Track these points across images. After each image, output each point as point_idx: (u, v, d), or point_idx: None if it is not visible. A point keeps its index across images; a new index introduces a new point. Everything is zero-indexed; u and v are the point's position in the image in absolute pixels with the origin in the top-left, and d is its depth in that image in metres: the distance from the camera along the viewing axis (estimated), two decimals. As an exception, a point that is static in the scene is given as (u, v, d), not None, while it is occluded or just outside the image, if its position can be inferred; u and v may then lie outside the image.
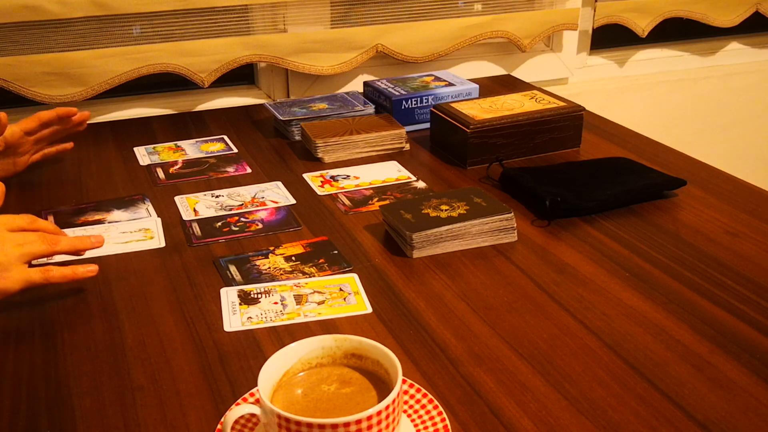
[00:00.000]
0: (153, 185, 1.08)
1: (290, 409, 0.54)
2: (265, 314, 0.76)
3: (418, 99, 1.27)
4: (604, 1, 1.66)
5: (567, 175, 1.05)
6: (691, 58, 1.89)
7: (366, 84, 1.36)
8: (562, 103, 1.18)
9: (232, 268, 0.85)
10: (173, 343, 0.72)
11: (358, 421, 0.51)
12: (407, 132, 1.21)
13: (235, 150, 1.20)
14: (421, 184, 1.07)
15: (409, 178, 1.09)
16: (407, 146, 1.20)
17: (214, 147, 1.22)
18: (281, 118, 1.24)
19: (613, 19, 1.68)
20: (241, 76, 1.55)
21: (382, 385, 0.57)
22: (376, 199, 1.02)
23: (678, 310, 0.76)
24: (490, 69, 1.65)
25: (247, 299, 0.79)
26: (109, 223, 0.96)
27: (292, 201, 1.02)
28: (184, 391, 0.66)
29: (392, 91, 1.29)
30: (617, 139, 1.23)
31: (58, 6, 1.26)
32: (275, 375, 0.57)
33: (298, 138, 1.24)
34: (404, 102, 1.26)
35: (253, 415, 0.56)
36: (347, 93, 1.37)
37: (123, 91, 1.40)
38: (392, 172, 1.11)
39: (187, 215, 0.98)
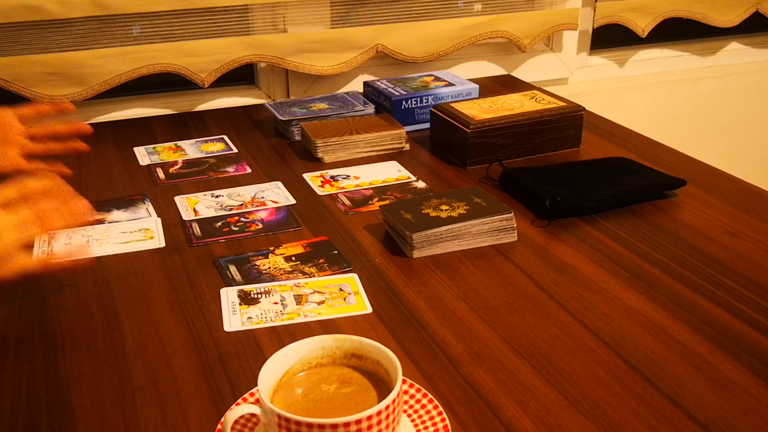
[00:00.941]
0: (153, 185, 1.08)
1: (290, 409, 0.54)
2: (265, 314, 0.76)
3: (418, 99, 1.27)
4: (604, 1, 1.66)
5: (567, 175, 1.05)
6: (691, 58, 1.89)
7: (366, 84, 1.36)
8: (562, 103, 1.18)
9: (232, 268, 0.85)
10: (173, 343, 0.72)
11: (358, 421, 0.51)
12: (407, 132, 1.21)
13: (235, 150, 1.20)
14: (421, 184, 1.07)
15: (409, 178, 1.09)
16: (407, 146, 1.20)
17: (214, 147, 1.22)
18: (281, 118, 1.24)
19: (613, 19, 1.68)
20: (241, 76, 1.55)
21: (382, 385, 0.57)
22: (376, 199, 1.02)
23: (678, 310, 0.76)
24: (490, 69, 1.65)
25: (247, 299, 0.79)
26: (109, 223, 0.96)
27: (292, 201, 1.02)
28: (184, 391, 0.66)
29: (392, 91, 1.29)
30: (617, 139, 1.23)
31: (58, 6, 1.26)
32: (275, 375, 0.57)
33: (298, 138, 1.24)
34: (404, 102, 1.26)
35: (253, 415, 0.56)
36: (347, 93, 1.37)
37: (123, 91, 1.40)
38: (392, 172, 1.11)
39: (187, 215, 0.98)
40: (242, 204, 1.01)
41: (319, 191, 1.05)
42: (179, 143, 1.23)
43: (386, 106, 1.28)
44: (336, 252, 0.88)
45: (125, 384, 0.67)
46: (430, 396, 0.61)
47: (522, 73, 1.67)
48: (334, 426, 0.51)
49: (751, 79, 1.90)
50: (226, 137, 1.26)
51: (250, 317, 0.76)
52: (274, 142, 1.24)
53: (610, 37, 1.79)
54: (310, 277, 0.83)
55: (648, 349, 0.70)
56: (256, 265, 0.86)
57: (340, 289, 0.81)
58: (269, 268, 0.85)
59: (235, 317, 0.76)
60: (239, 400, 0.62)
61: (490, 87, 1.49)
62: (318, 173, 1.11)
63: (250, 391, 0.62)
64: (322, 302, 0.78)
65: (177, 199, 1.03)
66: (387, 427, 0.53)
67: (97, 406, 0.64)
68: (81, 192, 1.05)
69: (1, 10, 1.23)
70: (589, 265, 0.85)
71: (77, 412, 0.63)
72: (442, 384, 0.66)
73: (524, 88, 1.41)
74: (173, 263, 0.87)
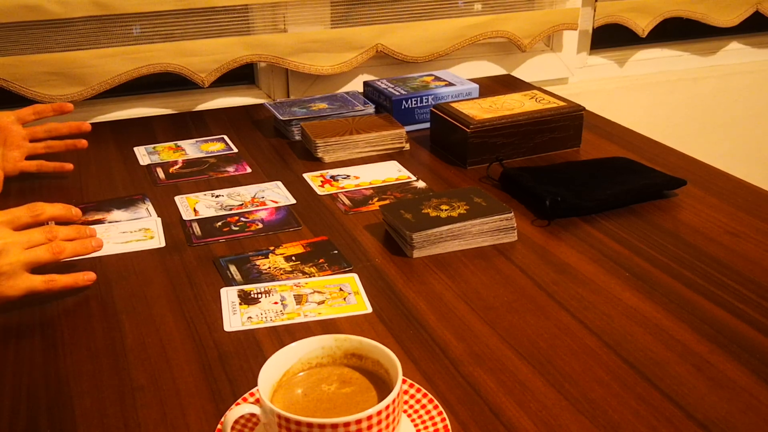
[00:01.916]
0: (153, 185, 1.08)
1: (290, 409, 0.54)
2: (265, 314, 0.76)
3: (418, 99, 1.27)
4: (604, 1, 1.66)
5: (567, 175, 1.05)
6: (691, 58, 1.89)
7: (366, 84, 1.36)
8: (562, 103, 1.18)
9: (232, 268, 0.85)
10: (173, 343, 0.72)
11: (358, 421, 0.51)
12: (407, 132, 1.21)
13: (235, 150, 1.20)
14: (421, 184, 1.07)
15: (409, 177, 1.09)
16: (407, 146, 1.20)
17: (214, 147, 1.22)
18: (281, 118, 1.24)
19: (613, 18, 1.68)
20: (241, 76, 1.55)
21: (382, 385, 0.57)
22: (376, 198, 1.02)
23: (678, 310, 0.76)
24: (490, 69, 1.65)
25: (247, 299, 0.79)
26: (109, 222, 0.96)
27: (292, 201, 1.02)
28: (184, 391, 0.66)
29: (392, 90, 1.29)
30: (617, 139, 1.23)
31: (58, 6, 1.26)
32: (275, 375, 0.57)
33: (298, 138, 1.24)
34: (404, 102, 1.26)
35: (253, 415, 0.56)
36: (347, 93, 1.37)
37: (123, 91, 1.40)
38: (392, 172, 1.11)
39: (187, 215, 0.98)
40: (242, 204, 1.01)
41: (319, 191, 1.05)
42: (179, 143, 1.23)
43: (386, 106, 1.28)
44: (336, 252, 0.88)
45: (125, 384, 0.67)
46: (430, 396, 0.61)
47: (522, 73, 1.67)
48: (334, 426, 0.51)
49: (751, 79, 1.90)
50: (226, 137, 1.26)
51: (250, 317, 0.76)
52: (274, 141, 1.24)
53: (610, 37, 1.79)
54: (310, 277, 0.83)
55: (648, 348, 0.70)
56: (256, 264, 0.86)
57: (340, 289, 0.81)
58: (269, 267, 0.85)
59: (235, 317, 0.76)
60: (239, 400, 0.62)
61: (490, 87, 1.49)
62: (318, 173, 1.11)
63: (250, 391, 0.62)
64: (322, 302, 0.78)
65: (177, 198, 1.03)
66: (387, 427, 0.53)
67: (97, 406, 0.64)
68: (81, 192, 1.06)
69: (1, 10, 1.23)
70: (589, 265, 0.85)
71: (77, 412, 0.63)
72: (442, 384, 0.66)
73: (524, 88, 1.41)
74: (173, 263, 0.87)
